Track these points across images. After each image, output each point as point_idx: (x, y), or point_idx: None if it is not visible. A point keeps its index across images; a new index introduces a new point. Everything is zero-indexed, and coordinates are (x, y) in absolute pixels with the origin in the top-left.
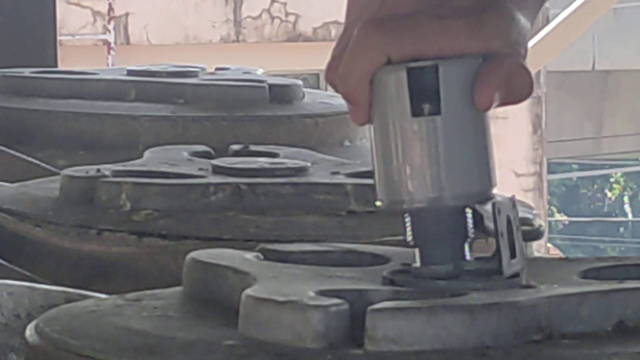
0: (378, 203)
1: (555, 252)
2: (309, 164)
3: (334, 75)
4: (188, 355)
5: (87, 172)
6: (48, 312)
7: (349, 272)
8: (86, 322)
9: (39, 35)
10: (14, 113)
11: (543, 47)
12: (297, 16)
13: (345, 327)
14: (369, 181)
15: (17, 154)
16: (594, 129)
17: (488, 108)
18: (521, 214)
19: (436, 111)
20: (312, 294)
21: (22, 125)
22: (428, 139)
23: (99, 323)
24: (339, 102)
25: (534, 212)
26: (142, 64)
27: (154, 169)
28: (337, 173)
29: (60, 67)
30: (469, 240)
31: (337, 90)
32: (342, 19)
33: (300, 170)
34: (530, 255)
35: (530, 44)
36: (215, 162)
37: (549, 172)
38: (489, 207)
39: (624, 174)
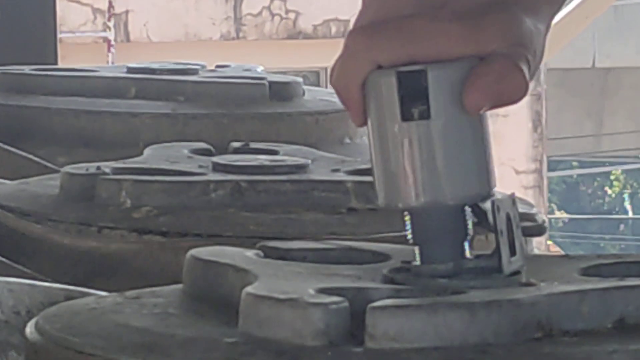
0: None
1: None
2: (309, 162)
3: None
4: (188, 353)
5: (87, 170)
6: (48, 310)
7: (349, 270)
8: (86, 320)
9: (39, 32)
10: (14, 110)
11: None
12: (297, 13)
13: (345, 324)
14: (369, 178)
15: (17, 151)
16: (594, 127)
17: (477, 110)
18: (524, 210)
19: (426, 115)
20: (312, 291)
21: (22, 123)
22: (419, 143)
23: (99, 320)
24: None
25: (534, 209)
26: (142, 61)
27: (154, 166)
28: (337, 170)
29: (61, 65)
30: (468, 238)
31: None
32: (342, 16)
33: (300, 168)
34: (530, 253)
35: None
36: (215, 159)
37: (549, 169)
38: (488, 204)
39: (624, 172)
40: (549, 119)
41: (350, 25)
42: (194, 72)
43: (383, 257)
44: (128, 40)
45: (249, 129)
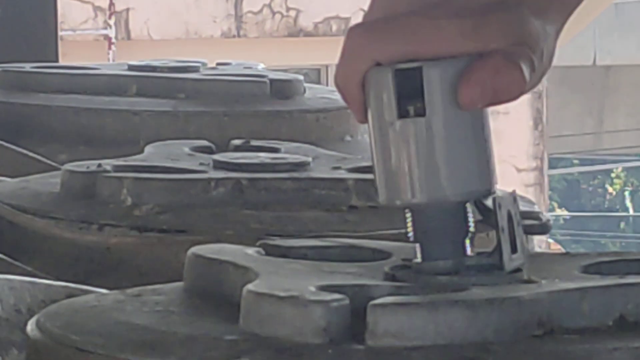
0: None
1: (556, 247)
2: (310, 159)
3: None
4: (189, 351)
5: (88, 167)
6: (49, 307)
7: (350, 268)
8: (87, 317)
9: (40, 30)
10: (15, 108)
11: None
12: (298, 11)
13: (346, 322)
14: (370, 176)
15: (18, 149)
16: (595, 124)
17: (472, 106)
18: (528, 208)
19: (422, 112)
20: (313, 289)
21: (23, 120)
22: (416, 140)
23: (100, 318)
24: (340, 97)
25: (535, 207)
26: (143, 59)
27: (155, 164)
28: (338, 168)
29: (61, 62)
30: (469, 235)
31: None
32: (343, 14)
33: (301, 166)
34: (531, 251)
35: None
36: (216, 157)
37: (550, 167)
38: (489, 202)
39: (625, 169)
40: (549, 116)
41: (351, 23)
42: (194, 69)
43: (384, 254)
44: (129, 38)
45: (250, 126)
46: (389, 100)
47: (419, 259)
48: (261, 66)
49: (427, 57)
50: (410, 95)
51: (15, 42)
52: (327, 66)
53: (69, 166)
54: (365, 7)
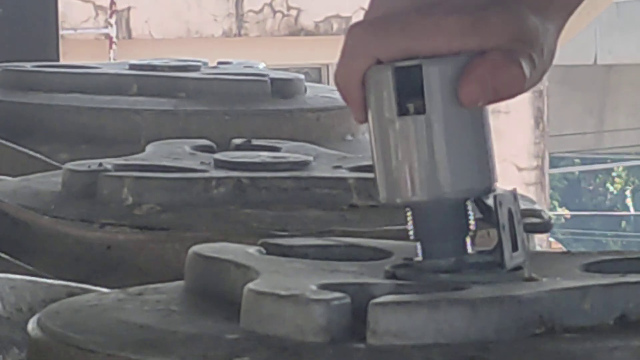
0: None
1: (557, 246)
2: (311, 158)
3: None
4: (190, 349)
5: (89, 166)
6: (50, 306)
7: (351, 266)
8: (88, 316)
9: (40, 29)
10: (16, 107)
11: None
12: (299, 10)
13: (347, 321)
14: (371, 175)
15: (19, 148)
16: (596, 123)
17: (472, 104)
18: (530, 207)
19: (422, 110)
20: (314, 288)
21: (24, 120)
22: (416, 138)
23: (101, 317)
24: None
25: (536, 205)
26: (144, 58)
27: (156, 163)
28: (339, 167)
29: (62, 61)
30: (470, 233)
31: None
32: (344, 12)
33: (302, 165)
34: (532, 249)
35: None
36: (217, 156)
37: (551, 166)
38: (490, 200)
39: (626, 168)
40: (550, 115)
41: (352, 22)
42: (195, 68)
43: (385, 253)
44: (130, 37)
45: (251, 125)
46: (389, 98)
47: (419, 257)
48: (262, 65)
49: (427, 55)
50: (410, 93)
51: (16, 41)
52: (328, 65)
53: (70, 165)
54: (366, 6)
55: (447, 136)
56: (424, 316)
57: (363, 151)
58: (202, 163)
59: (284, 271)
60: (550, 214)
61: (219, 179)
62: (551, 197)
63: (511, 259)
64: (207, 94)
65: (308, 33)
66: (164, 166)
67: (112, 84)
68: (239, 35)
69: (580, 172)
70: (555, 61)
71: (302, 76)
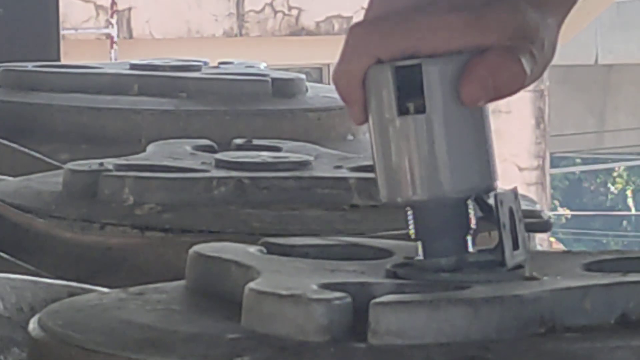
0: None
1: (558, 246)
2: (311, 158)
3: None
4: (191, 349)
5: (90, 166)
6: (51, 306)
7: (352, 266)
8: (89, 316)
9: (41, 29)
10: (17, 107)
11: None
12: (300, 10)
13: (348, 320)
14: (372, 175)
15: (20, 148)
16: (597, 123)
17: (474, 103)
18: (530, 207)
19: (422, 109)
20: (315, 287)
21: (25, 120)
22: (416, 137)
23: (102, 317)
24: None
25: (537, 205)
26: (145, 58)
27: (156, 163)
28: (340, 167)
29: (63, 61)
30: (471, 232)
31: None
32: (344, 13)
33: (303, 164)
34: (533, 249)
35: None
36: (218, 156)
37: (552, 166)
38: (491, 199)
39: (627, 168)
40: (551, 115)
41: (353, 22)
42: (196, 68)
43: (386, 253)
44: (131, 37)
45: (252, 125)
46: (389, 98)
47: (420, 257)
48: (263, 65)
49: (427, 53)
50: (410, 92)
51: (17, 41)
52: (329, 65)
53: (70, 165)
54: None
55: (447, 135)
56: (425, 316)
57: (364, 151)
58: (203, 163)
59: (285, 271)
60: (551, 214)
61: (219, 179)
62: (552, 197)
63: (512, 257)
64: (208, 94)
65: (309, 33)
66: (165, 166)
67: (113, 84)
68: (240, 35)
69: (581, 172)
70: (556, 61)
71: (303, 76)
